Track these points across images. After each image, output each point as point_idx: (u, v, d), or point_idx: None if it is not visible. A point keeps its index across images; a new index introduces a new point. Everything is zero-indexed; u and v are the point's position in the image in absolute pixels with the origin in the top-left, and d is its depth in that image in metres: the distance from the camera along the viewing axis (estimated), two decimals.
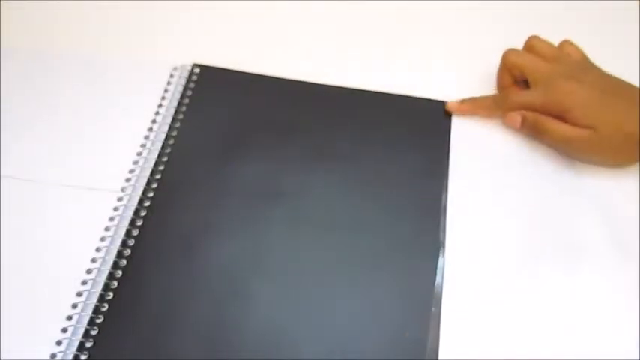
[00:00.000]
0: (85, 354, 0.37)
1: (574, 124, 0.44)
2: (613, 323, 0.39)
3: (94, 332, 0.38)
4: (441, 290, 0.40)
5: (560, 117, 0.45)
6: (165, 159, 0.46)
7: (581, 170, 0.46)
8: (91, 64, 0.53)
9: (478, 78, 0.51)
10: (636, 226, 0.43)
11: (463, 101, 0.49)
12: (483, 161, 0.47)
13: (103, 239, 0.42)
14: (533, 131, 0.47)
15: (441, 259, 0.42)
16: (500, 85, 0.50)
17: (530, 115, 0.46)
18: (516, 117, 0.47)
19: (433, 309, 0.40)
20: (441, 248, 0.42)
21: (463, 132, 0.48)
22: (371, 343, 0.38)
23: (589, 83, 0.45)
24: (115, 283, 0.40)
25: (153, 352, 0.38)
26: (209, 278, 0.41)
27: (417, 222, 0.43)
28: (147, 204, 0.44)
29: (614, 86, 0.45)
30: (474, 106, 0.49)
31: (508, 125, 0.48)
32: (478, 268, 0.42)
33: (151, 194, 0.44)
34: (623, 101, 0.44)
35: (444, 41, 0.55)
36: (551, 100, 0.45)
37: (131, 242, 0.42)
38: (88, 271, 0.41)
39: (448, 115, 0.49)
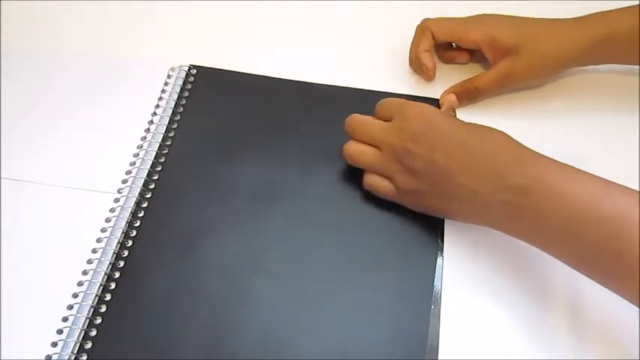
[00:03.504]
0: (84, 355, 0.37)
1: (497, 52, 0.48)
2: (613, 323, 0.39)
3: (92, 333, 0.38)
4: (441, 289, 0.40)
5: (486, 49, 0.49)
6: (162, 160, 0.46)
7: None
8: (88, 65, 0.53)
9: None
10: None
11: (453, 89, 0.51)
12: None
13: (99, 240, 0.42)
14: (469, 96, 0.50)
15: (440, 259, 0.41)
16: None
17: (457, 87, 0.50)
18: (451, 97, 0.49)
19: (433, 308, 0.39)
20: (440, 246, 0.42)
21: None
22: (371, 343, 0.38)
23: (503, 16, 0.50)
24: (113, 284, 0.40)
25: (151, 353, 0.38)
26: (207, 279, 0.41)
27: (417, 220, 0.43)
28: (144, 205, 0.44)
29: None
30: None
31: (453, 106, 0.49)
32: (478, 266, 0.41)
33: (148, 195, 0.44)
34: (533, 20, 0.49)
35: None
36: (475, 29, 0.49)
37: (128, 243, 0.42)
38: (84, 273, 0.41)
39: None
